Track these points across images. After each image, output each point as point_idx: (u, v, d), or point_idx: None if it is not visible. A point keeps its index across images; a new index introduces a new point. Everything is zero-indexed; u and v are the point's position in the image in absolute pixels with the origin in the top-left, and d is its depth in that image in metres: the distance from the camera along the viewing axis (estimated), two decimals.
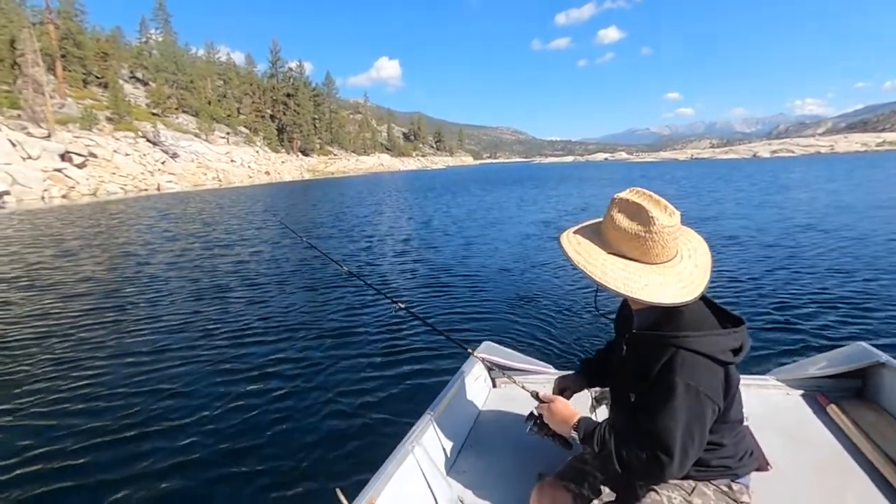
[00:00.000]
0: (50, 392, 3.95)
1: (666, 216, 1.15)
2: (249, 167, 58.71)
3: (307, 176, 68.18)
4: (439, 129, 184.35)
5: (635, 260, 1.18)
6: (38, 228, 15.89)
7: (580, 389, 1.63)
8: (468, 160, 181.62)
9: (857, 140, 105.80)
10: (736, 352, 1.14)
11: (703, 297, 1.21)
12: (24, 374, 4.33)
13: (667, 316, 1.19)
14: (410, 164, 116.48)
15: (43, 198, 28.01)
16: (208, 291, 7.18)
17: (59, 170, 31.73)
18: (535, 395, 1.50)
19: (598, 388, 1.67)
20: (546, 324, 5.18)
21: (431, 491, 1.72)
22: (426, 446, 1.79)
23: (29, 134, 33.60)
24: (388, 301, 2.21)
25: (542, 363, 2.57)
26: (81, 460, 3.01)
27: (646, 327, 1.24)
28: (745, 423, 1.30)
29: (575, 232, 1.28)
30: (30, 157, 30.57)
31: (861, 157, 63.74)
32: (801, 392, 2.02)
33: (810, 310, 5.05)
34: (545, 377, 2.34)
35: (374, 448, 2.94)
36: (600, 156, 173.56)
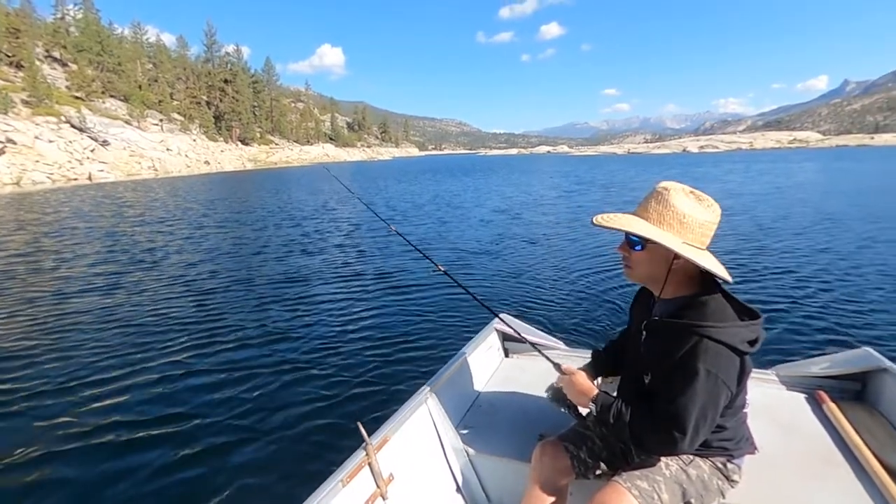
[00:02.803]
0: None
1: (717, 205, 1.26)
2: (187, 156, 55.83)
3: (249, 166, 65.74)
4: (384, 120, 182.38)
5: (690, 245, 1.23)
6: None
7: (592, 380, 1.68)
8: (414, 151, 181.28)
9: (773, 137, 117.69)
10: (752, 343, 1.20)
11: (721, 290, 1.28)
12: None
13: (691, 306, 1.24)
14: (356, 154, 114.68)
15: None
16: (265, 257, 7.89)
17: None
18: (558, 367, 1.54)
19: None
20: (554, 303, 5.55)
21: (440, 438, 1.89)
22: (439, 399, 1.93)
23: None
24: (427, 261, 2.31)
25: (552, 338, 2.66)
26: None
27: (668, 315, 1.29)
28: (745, 411, 1.39)
29: (630, 216, 1.32)
30: None
31: (774, 153, 70.46)
32: (800, 388, 2.06)
33: (818, 311, 4.95)
34: (555, 352, 2.43)
35: (392, 392, 3.51)
36: (543, 149, 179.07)
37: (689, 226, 1.23)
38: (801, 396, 2.00)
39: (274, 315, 5.46)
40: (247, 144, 79.57)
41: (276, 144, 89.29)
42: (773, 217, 11.58)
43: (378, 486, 1.56)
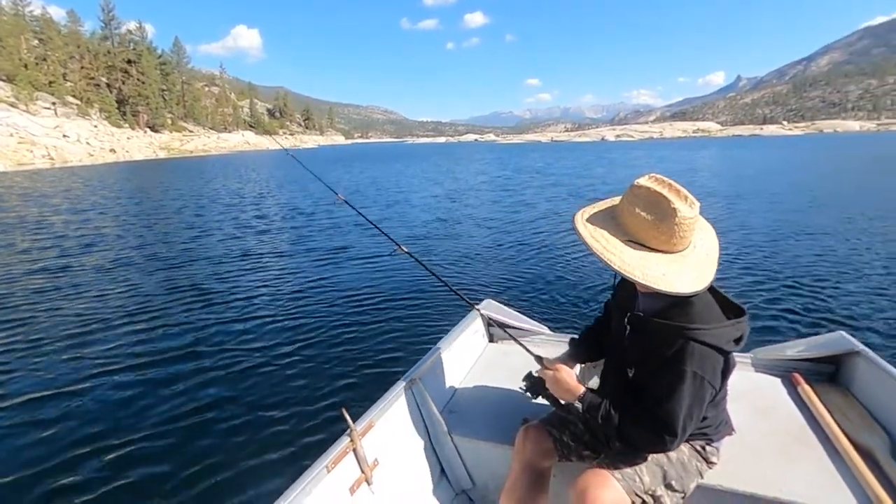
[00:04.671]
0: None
1: (687, 207, 1.15)
2: (88, 143, 50.74)
3: (162, 154, 60.95)
4: (307, 107, 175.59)
5: (652, 249, 1.19)
6: None
7: (571, 368, 1.65)
8: (339, 139, 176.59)
9: (680, 127, 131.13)
10: (737, 340, 1.21)
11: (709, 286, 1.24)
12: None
13: (677, 305, 1.22)
14: (279, 142, 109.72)
15: None
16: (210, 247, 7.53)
17: None
18: (540, 360, 1.53)
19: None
20: (540, 288, 5.55)
21: (425, 423, 1.90)
22: (423, 385, 1.93)
23: None
24: (391, 242, 2.23)
25: (537, 324, 2.64)
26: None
27: (653, 312, 1.27)
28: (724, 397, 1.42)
29: (590, 217, 1.28)
30: None
31: (680, 142, 77.12)
32: (777, 371, 2.09)
33: (796, 295, 5.05)
34: (540, 338, 2.46)
35: (376, 377, 3.50)
36: (470, 137, 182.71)
37: (644, 229, 1.19)
38: (778, 379, 2.04)
39: (252, 301, 5.41)
40: (157, 131, 73.55)
41: (191, 132, 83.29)
42: (760, 205, 11.67)
43: (363, 472, 1.57)
